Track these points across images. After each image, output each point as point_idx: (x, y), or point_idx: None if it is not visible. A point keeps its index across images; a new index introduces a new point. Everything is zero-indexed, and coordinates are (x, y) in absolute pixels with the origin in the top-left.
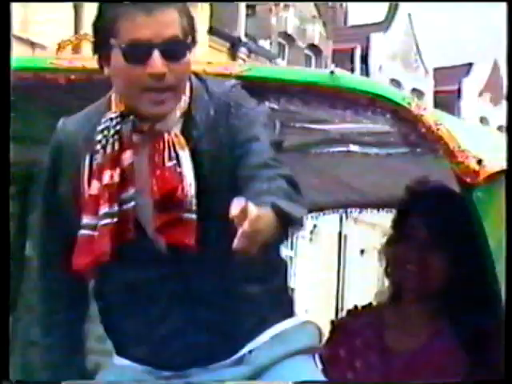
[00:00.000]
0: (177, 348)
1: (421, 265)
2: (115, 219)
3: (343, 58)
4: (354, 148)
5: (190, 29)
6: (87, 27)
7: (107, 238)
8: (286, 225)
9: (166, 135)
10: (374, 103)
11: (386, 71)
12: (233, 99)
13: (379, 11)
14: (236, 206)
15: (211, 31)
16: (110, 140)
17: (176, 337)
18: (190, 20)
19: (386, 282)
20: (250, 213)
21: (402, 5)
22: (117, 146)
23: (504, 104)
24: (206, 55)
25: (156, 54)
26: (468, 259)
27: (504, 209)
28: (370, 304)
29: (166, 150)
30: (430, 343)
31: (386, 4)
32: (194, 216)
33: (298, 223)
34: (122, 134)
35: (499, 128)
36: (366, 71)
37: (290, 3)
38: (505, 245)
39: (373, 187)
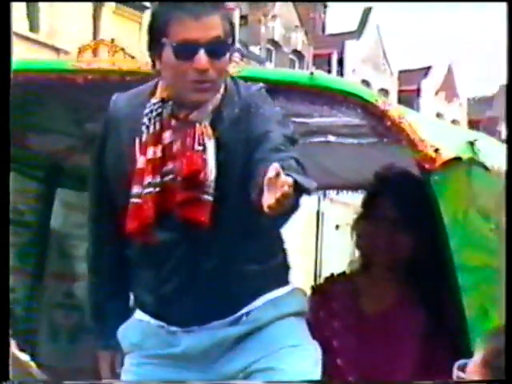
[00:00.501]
0: (184, 307)
1: (386, 239)
2: (157, 189)
3: (322, 62)
4: (331, 138)
5: (230, 32)
6: (103, 34)
7: (151, 205)
8: (300, 195)
9: (197, 125)
10: (347, 100)
11: (358, 73)
12: (254, 101)
13: (352, 22)
14: (272, 170)
15: None
16: (153, 121)
17: (183, 297)
18: (231, 25)
19: (357, 253)
20: (282, 177)
21: (371, 17)
22: (158, 127)
23: (456, 101)
24: None
25: (201, 52)
26: (427, 234)
27: (460, 190)
28: (344, 272)
29: (196, 137)
30: (396, 306)
31: (359, 16)
32: (210, 198)
33: (309, 194)
34: (162, 117)
35: (453, 122)
36: (341, 73)
37: (277, 14)
38: (505, 245)
39: (347, 172)
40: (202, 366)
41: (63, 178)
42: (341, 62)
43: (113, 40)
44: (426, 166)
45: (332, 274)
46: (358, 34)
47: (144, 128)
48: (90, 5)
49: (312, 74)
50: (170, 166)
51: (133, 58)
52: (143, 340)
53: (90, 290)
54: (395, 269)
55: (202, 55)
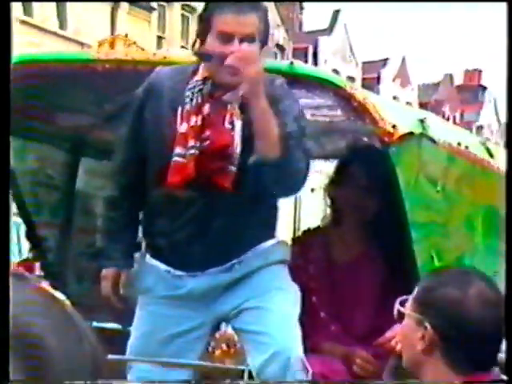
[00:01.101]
0: (191, 255)
1: (354, 200)
2: (197, 152)
3: (300, 55)
4: (308, 116)
5: (264, 32)
6: (119, 30)
7: (192, 165)
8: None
9: (228, 105)
10: (321, 85)
11: (329, 64)
12: (278, 93)
13: (324, 21)
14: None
15: None
16: (196, 95)
17: (191, 247)
18: (266, 26)
19: (329, 211)
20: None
21: (340, 17)
22: (200, 100)
23: (409, 87)
24: None
25: (236, 42)
26: (387, 196)
27: (412, 160)
28: (318, 226)
29: (227, 116)
30: (362, 256)
31: (330, 16)
32: (234, 169)
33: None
34: (203, 93)
35: (406, 103)
36: (315, 63)
37: None
38: (505, 244)
39: (321, 144)
40: (202, 305)
41: (86, 149)
42: (315, 55)
43: (126, 35)
44: (386, 139)
45: (308, 229)
46: (328, 31)
47: (188, 100)
48: (108, 6)
49: (292, 63)
50: (207, 132)
51: (143, 50)
52: (154, 284)
53: (105, 221)
54: (361, 225)
55: (236, 45)
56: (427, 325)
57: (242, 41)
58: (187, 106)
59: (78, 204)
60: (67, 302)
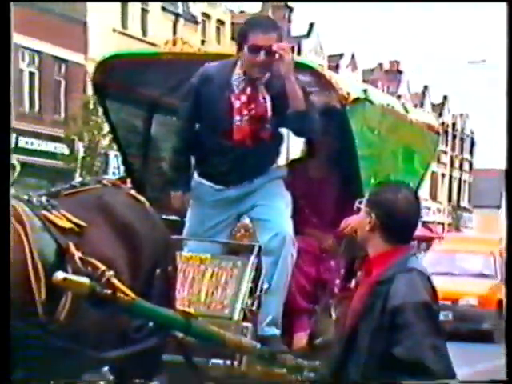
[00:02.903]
0: (227, 177)
1: (323, 140)
2: (248, 118)
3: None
4: None
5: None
6: (178, 34)
7: (246, 126)
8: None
9: (260, 87)
10: (303, 67)
11: (309, 56)
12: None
13: (304, 29)
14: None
15: None
16: (240, 83)
17: (227, 173)
18: (281, 40)
19: (307, 147)
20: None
21: (314, 27)
22: (243, 86)
23: (356, 71)
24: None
25: (262, 53)
26: (344, 138)
27: (359, 115)
28: (301, 157)
29: (260, 95)
30: (329, 175)
31: (307, 25)
32: (269, 126)
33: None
34: (244, 82)
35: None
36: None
37: None
38: (505, 244)
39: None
40: (230, 206)
41: (157, 109)
42: (299, 51)
43: (182, 38)
44: (343, 102)
45: (294, 158)
46: (307, 36)
47: (235, 86)
48: (171, 21)
49: None
50: (251, 106)
51: (191, 47)
52: (201, 194)
53: (172, 161)
54: (327, 156)
55: (262, 54)
56: (373, 215)
57: (265, 51)
58: (236, 90)
59: (152, 143)
60: (146, 203)
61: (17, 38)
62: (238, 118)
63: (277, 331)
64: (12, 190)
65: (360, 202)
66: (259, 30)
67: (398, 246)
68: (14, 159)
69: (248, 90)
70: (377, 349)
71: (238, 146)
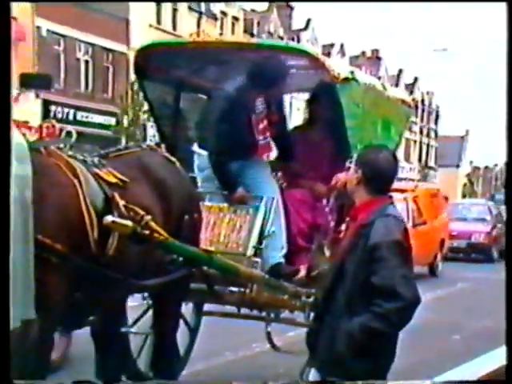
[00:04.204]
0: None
1: (319, 111)
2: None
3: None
4: (293, 71)
5: None
6: (201, 28)
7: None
8: None
9: None
10: (303, 53)
11: (306, 45)
12: None
13: (302, 23)
14: None
15: None
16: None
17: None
18: None
19: (305, 117)
20: None
21: (310, 22)
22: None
23: (344, 58)
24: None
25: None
26: (335, 111)
27: (347, 93)
28: (301, 124)
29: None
30: (324, 139)
31: (304, 21)
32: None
33: None
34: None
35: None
36: None
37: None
38: (505, 245)
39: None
40: None
41: (183, 87)
42: (298, 41)
43: (203, 30)
44: (334, 81)
45: (296, 125)
46: (304, 29)
47: (256, 108)
48: (195, 18)
49: (287, 43)
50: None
51: (210, 37)
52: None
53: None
54: (322, 124)
55: None
56: (359, 171)
57: None
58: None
59: (180, 115)
60: (177, 162)
61: (74, 33)
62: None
63: (282, 260)
64: (70, 152)
65: (350, 162)
66: None
67: (378, 196)
68: (71, 128)
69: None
70: (359, 278)
71: None
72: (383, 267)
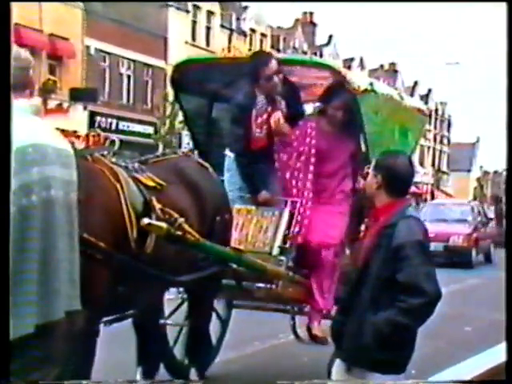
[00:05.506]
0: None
1: (341, 117)
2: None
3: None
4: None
5: None
6: (234, 44)
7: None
8: None
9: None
10: (325, 67)
11: (328, 60)
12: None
13: (325, 39)
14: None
15: None
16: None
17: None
18: None
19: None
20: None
21: (333, 38)
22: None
23: (364, 71)
24: None
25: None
26: (355, 119)
27: (367, 103)
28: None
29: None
30: (343, 143)
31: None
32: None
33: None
34: (266, 101)
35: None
36: (320, 56)
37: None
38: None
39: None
40: None
41: (216, 98)
42: (321, 56)
43: (234, 46)
44: (355, 92)
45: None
46: (327, 44)
47: (258, 107)
48: (226, 35)
49: (311, 57)
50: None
51: (241, 53)
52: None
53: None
54: (342, 128)
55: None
56: (379, 176)
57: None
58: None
59: (212, 124)
60: (209, 167)
61: (118, 50)
62: (257, 131)
63: None
64: (113, 159)
65: (368, 167)
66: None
67: (398, 198)
68: (115, 137)
69: (269, 108)
70: (383, 275)
71: None
72: (408, 265)
